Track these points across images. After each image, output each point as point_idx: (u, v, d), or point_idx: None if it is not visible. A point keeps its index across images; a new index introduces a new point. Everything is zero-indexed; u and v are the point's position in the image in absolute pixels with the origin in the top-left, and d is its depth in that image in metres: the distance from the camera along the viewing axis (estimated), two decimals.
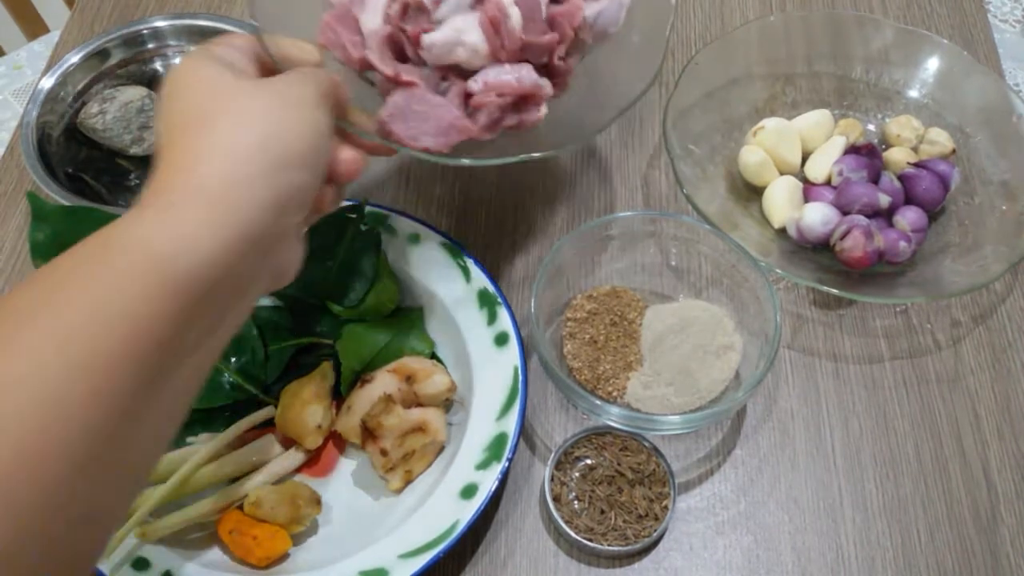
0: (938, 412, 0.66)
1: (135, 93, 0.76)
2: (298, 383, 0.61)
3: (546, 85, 0.56)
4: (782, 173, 0.75)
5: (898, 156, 0.75)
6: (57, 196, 0.68)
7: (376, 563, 0.55)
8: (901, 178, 0.73)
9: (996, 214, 0.72)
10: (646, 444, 0.61)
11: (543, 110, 0.56)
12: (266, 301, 0.68)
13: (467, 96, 0.54)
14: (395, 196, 0.76)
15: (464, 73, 0.55)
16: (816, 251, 0.72)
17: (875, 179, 0.73)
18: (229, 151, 0.39)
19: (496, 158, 0.57)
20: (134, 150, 0.76)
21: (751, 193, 0.75)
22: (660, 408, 0.63)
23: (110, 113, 0.74)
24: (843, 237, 0.69)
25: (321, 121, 0.43)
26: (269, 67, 0.48)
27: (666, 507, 0.59)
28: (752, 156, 0.74)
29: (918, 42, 0.80)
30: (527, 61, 0.55)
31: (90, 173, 0.75)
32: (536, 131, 0.57)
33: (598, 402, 0.60)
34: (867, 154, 0.73)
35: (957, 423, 0.65)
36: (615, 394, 0.64)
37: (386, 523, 0.59)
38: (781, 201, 0.73)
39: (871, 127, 0.80)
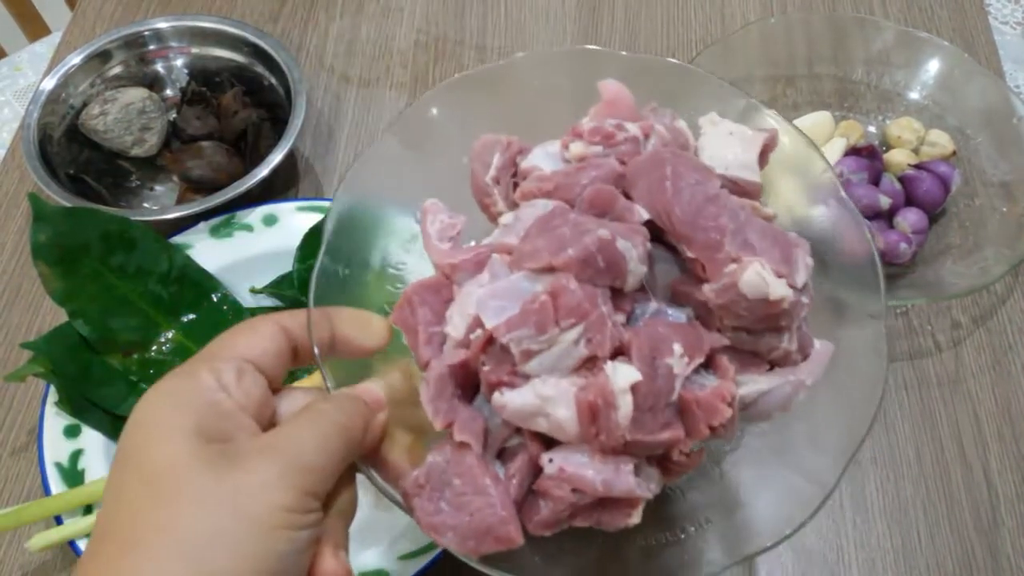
0: (938, 414, 0.66)
1: (136, 94, 0.76)
2: (297, 383, 0.61)
3: (650, 483, 0.40)
4: None
5: (899, 158, 0.75)
6: (58, 197, 0.68)
7: (376, 564, 0.55)
8: (902, 180, 0.73)
9: (997, 216, 0.72)
10: None
11: (636, 518, 0.40)
12: (266, 302, 0.68)
13: (536, 469, 0.40)
14: (396, 196, 0.76)
15: (545, 438, 0.40)
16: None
17: (876, 181, 0.73)
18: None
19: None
20: (135, 151, 0.76)
21: None
22: None
23: (111, 114, 0.74)
24: None
25: (284, 548, 0.32)
26: (307, 352, 0.40)
27: None
28: None
29: (919, 44, 0.80)
30: (630, 453, 0.39)
31: (91, 174, 0.75)
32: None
33: None
34: (868, 156, 0.73)
35: (958, 425, 0.65)
36: None
37: (386, 524, 0.58)
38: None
39: (872, 129, 0.80)
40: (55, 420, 0.60)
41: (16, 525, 0.57)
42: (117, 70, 0.79)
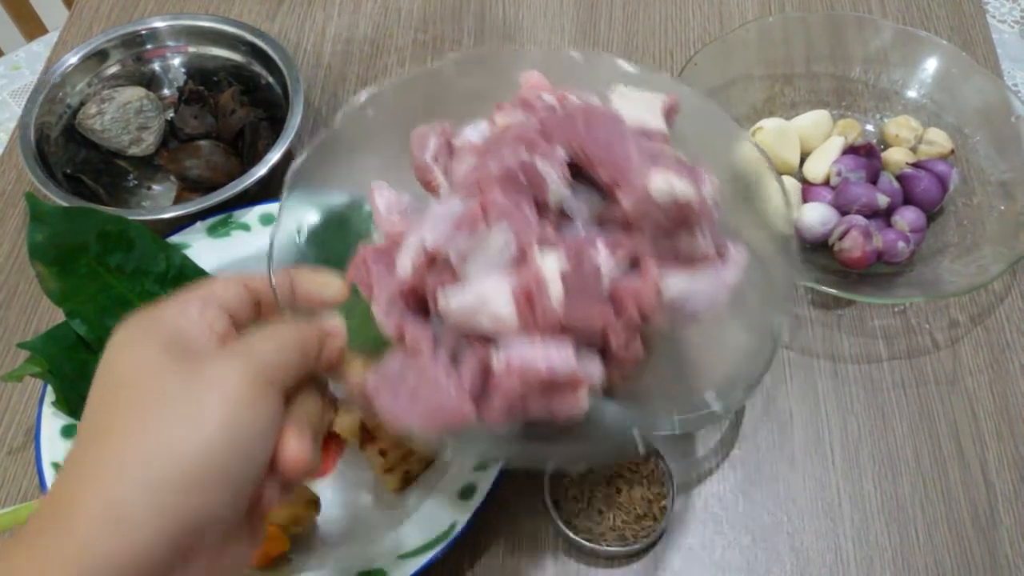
0: (936, 412, 0.66)
1: (133, 94, 0.76)
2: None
3: (593, 372, 0.43)
4: (781, 173, 0.75)
5: (897, 156, 0.75)
6: (55, 197, 0.68)
7: (375, 564, 0.55)
8: (900, 178, 0.73)
9: (994, 214, 0.72)
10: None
11: (583, 402, 0.43)
12: None
13: (485, 368, 0.43)
14: None
15: (488, 341, 0.44)
16: (815, 251, 0.72)
17: (874, 179, 0.73)
18: (113, 477, 0.32)
19: (512, 460, 0.45)
20: (132, 151, 0.76)
21: None
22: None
23: (108, 114, 0.74)
24: (842, 237, 0.69)
25: (257, 422, 0.35)
26: (272, 310, 0.42)
27: (664, 507, 0.59)
28: None
29: (917, 43, 0.80)
30: (567, 344, 0.43)
31: (88, 174, 0.75)
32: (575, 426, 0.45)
33: None
34: (866, 154, 0.73)
35: (955, 423, 0.65)
36: None
37: (384, 524, 0.59)
38: None
39: (870, 127, 0.80)
40: (52, 420, 0.59)
41: (14, 524, 0.56)
42: (114, 69, 0.79)
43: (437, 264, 0.44)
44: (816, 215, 0.70)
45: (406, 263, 0.45)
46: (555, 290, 0.42)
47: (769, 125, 0.75)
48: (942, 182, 0.72)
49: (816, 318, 0.70)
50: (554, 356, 0.42)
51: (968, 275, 0.67)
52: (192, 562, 0.33)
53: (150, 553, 0.31)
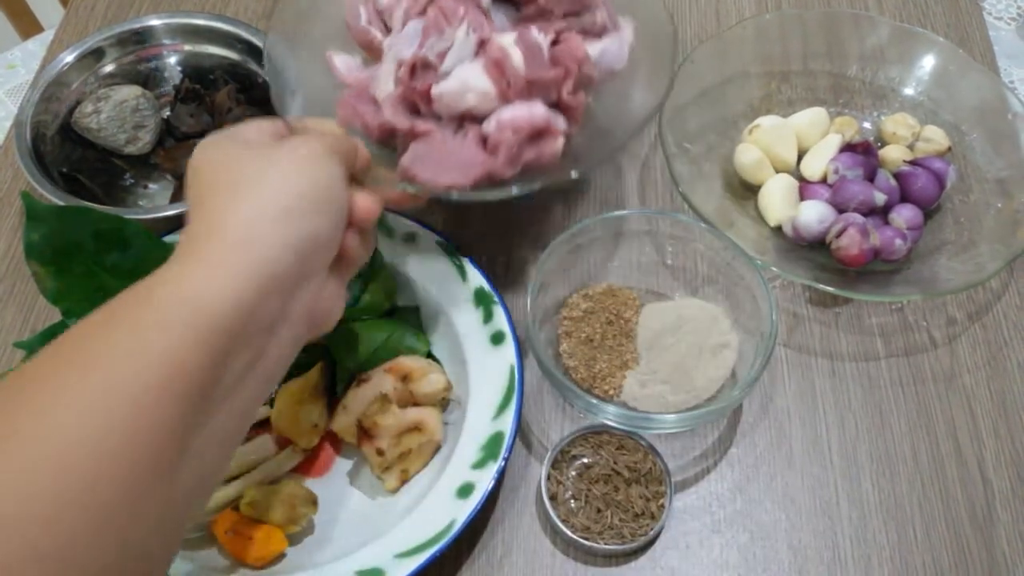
0: (934, 410, 0.66)
1: (129, 92, 0.75)
2: (293, 383, 0.61)
3: (559, 120, 0.59)
4: (778, 171, 0.75)
5: (894, 154, 0.75)
6: (51, 196, 0.67)
7: (372, 563, 0.55)
8: (897, 176, 0.73)
9: (992, 212, 0.72)
10: (642, 443, 0.61)
11: (559, 142, 0.59)
12: None
13: (485, 140, 0.58)
14: None
15: (479, 119, 0.58)
16: (812, 249, 0.72)
17: (871, 177, 0.73)
18: (245, 206, 0.42)
19: (520, 188, 0.58)
20: (129, 149, 0.76)
21: (747, 191, 0.75)
22: (656, 407, 0.63)
23: (104, 112, 0.74)
24: (839, 235, 0.69)
25: (332, 171, 0.45)
26: None
27: (662, 506, 0.59)
28: (748, 154, 0.74)
29: (914, 40, 0.80)
30: (536, 100, 0.58)
31: (85, 173, 0.74)
32: (555, 165, 0.59)
33: (594, 401, 0.60)
34: (863, 152, 0.73)
35: (953, 421, 0.65)
36: (611, 393, 0.64)
37: (382, 523, 0.58)
38: (777, 199, 0.73)
39: (867, 125, 0.80)
40: None
41: None
42: (110, 68, 0.78)
43: (416, 71, 0.58)
44: (813, 213, 0.70)
45: (388, 83, 0.59)
46: (516, 57, 0.57)
47: (766, 123, 0.75)
48: (939, 180, 0.72)
49: (814, 316, 0.70)
50: (533, 109, 0.57)
51: (965, 273, 0.67)
52: (307, 281, 0.44)
53: (281, 260, 0.41)
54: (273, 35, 0.64)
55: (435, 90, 0.57)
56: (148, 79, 0.80)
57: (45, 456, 0.33)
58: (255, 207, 0.42)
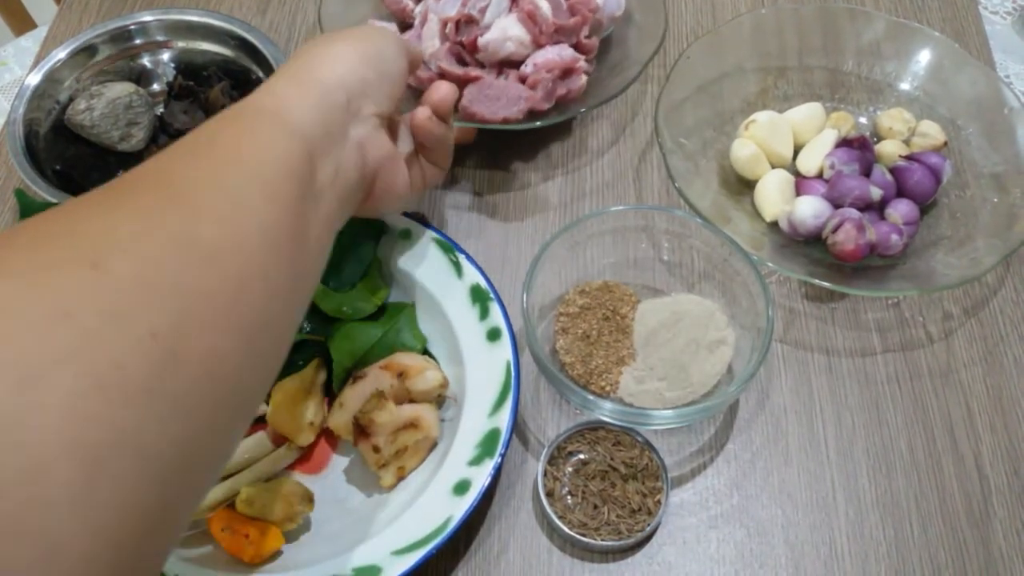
0: (930, 405, 0.66)
1: (123, 89, 0.75)
2: (289, 380, 0.61)
3: (581, 60, 0.73)
4: (774, 167, 0.75)
5: (890, 149, 0.75)
6: (45, 193, 0.67)
7: (369, 560, 0.55)
8: (893, 171, 0.73)
9: (988, 207, 0.72)
10: (639, 439, 0.61)
11: (584, 79, 0.73)
12: None
13: (523, 80, 0.72)
14: None
15: (515, 64, 0.73)
16: (808, 244, 0.72)
17: (867, 172, 0.73)
18: (311, 55, 0.54)
19: (558, 117, 0.72)
20: (122, 146, 0.75)
21: (743, 187, 0.75)
22: (653, 403, 0.63)
23: (98, 109, 0.73)
24: (835, 230, 0.69)
25: (390, 46, 0.58)
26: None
27: (659, 501, 0.59)
28: (744, 150, 0.74)
29: (909, 35, 0.80)
30: (562, 43, 0.73)
31: (78, 170, 0.74)
32: (581, 99, 0.74)
33: (591, 397, 0.60)
34: (859, 147, 0.73)
35: (949, 417, 0.65)
36: (608, 389, 0.64)
37: (379, 520, 0.58)
38: (773, 195, 0.73)
39: (863, 120, 0.80)
40: None
41: None
42: (103, 65, 0.78)
43: (461, 27, 0.73)
44: (809, 208, 0.70)
45: (434, 41, 0.73)
46: (545, 7, 0.72)
47: (762, 118, 0.75)
48: (935, 174, 0.72)
49: (810, 312, 0.70)
50: (561, 52, 0.72)
51: (961, 268, 0.67)
52: (356, 119, 0.54)
53: (335, 92, 0.53)
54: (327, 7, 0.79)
55: (481, 41, 0.71)
56: (141, 76, 0.80)
57: (215, 207, 0.40)
58: (323, 51, 0.55)
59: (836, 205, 0.71)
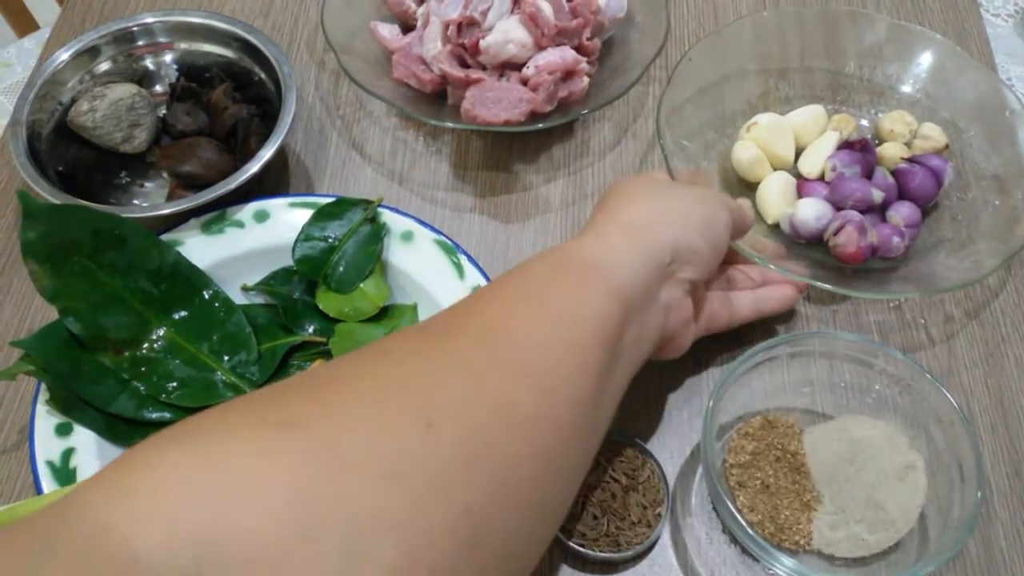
0: None
1: (125, 90, 0.75)
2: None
3: (583, 62, 0.74)
4: (775, 169, 0.75)
5: (891, 151, 0.75)
6: (47, 195, 0.67)
7: None
8: (894, 173, 0.73)
9: (989, 209, 0.72)
10: (640, 449, 0.60)
11: (585, 80, 0.74)
12: (258, 299, 0.68)
13: (524, 82, 0.72)
14: (388, 193, 0.76)
15: (517, 66, 0.73)
16: (810, 247, 0.72)
17: (868, 174, 0.73)
18: (647, 209, 0.53)
19: (560, 119, 0.72)
20: (124, 148, 0.75)
21: (744, 189, 0.75)
22: (855, 550, 0.56)
23: (100, 111, 0.74)
24: (836, 232, 0.69)
25: (722, 215, 0.56)
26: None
27: (659, 514, 0.58)
28: (745, 152, 0.74)
29: (911, 37, 0.80)
30: (564, 45, 0.73)
31: (81, 171, 0.74)
32: (583, 101, 0.75)
33: (789, 561, 0.53)
34: (860, 149, 0.73)
35: None
36: (802, 542, 0.57)
37: None
38: (775, 197, 0.73)
39: (864, 122, 0.80)
40: (46, 419, 0.59)
41: (9, 523, 0.56)
42: (106, 66, 0.78)
43: (463, 29, 0.72)
44: (811, 210, 0.70)
45: (436, 43, 0.73)
46: (547, 10, 0.72)
47: (764, 120, 0.75)
48: (937, 177, 0.72)
49: (811, 314, 0.70)
50: (563, 54, 0.72)
51: (963, 270, 0.67)
52: (670, 283, 0.52)
53: (663, 251, 0.51)
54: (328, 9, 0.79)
55: (482, 44, 0.71)
56: (144, 77, 0.80)
57: (534, 371, 0.40)
58: (653, 211, 0.52)
59: (838, 207, 0.71)
